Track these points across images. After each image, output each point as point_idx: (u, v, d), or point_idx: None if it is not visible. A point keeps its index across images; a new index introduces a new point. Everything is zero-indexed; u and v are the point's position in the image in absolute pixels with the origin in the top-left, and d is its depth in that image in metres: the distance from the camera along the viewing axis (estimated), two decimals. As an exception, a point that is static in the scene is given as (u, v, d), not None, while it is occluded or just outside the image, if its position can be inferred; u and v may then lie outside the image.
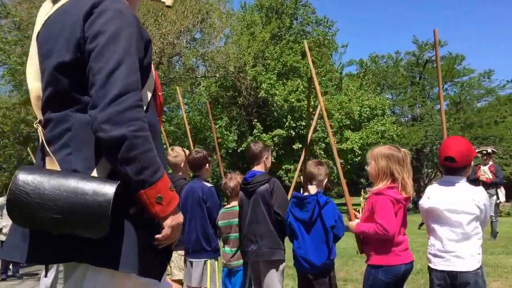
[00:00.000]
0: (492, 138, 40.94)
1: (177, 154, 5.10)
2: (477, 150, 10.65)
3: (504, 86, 44.09)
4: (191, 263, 4.62)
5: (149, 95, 1.77)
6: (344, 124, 22.36)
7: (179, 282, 4.87)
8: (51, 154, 1.63)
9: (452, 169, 3.18)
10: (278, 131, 21.46)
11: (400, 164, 3.21)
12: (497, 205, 10.10)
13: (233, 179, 4.56)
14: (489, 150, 10.11)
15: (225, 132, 22.22)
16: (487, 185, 9.28)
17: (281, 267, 4.07)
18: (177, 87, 7.50)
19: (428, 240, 3.28)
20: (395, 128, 25.05)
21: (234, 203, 4.55)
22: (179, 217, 1.69)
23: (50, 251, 1.59)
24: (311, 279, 3.82)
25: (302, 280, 3.98)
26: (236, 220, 4.33)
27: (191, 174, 5.17)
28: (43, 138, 1.66)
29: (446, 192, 3.16)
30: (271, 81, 21.72)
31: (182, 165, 5.07)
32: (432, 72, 41.93)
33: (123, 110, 1.51)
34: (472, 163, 3.44)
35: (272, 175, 4.30)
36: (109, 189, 1.52)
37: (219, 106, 23.71)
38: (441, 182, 3.28)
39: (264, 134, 21.87)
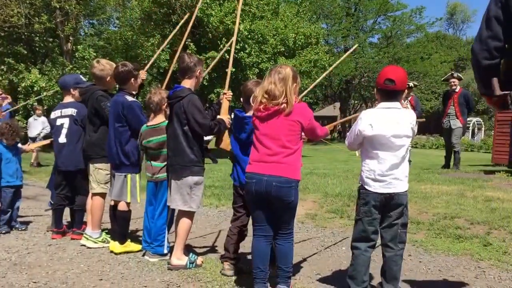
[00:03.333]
0: (417, 73, 42.81)
1: (103, 67, 4.98)
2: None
3: (433, 23, 45.64)
4: (114, 176, 4.67)
5: None
6: (279, 50, 22.30)
7: (102, 195, 4.91)
8: None
9: (391, 92, 3.23)
10: (212, 53, 20.99)
11: (263, 81, 3.37)
12: (412, 135, 10.77)
13: (157, 94, 4.47)
14: (411, 84, 10.65)
15: (157, 51, 21.44)
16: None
17: (191, 183, 4.03)
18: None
19: (362, 166, 3.35)
20: (327, 58, 25.38)
21: (161, 118, 4.52)
22: None
23: None
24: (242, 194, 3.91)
25: (234, 196, 4.10)
26: (165, 136, 4.28)
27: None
28: None
29: (389, 118, 3.23)
30: (207, 0, 20.98)
31: (108, 79, 4.98)
32: (367, 5, 42.33)
33: None
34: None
35: (194, 92, 4.16)
36: None
37: (152, 23, 22.73)
38: (380, 109, 3.30)
39: (197, 56, 21.29)
